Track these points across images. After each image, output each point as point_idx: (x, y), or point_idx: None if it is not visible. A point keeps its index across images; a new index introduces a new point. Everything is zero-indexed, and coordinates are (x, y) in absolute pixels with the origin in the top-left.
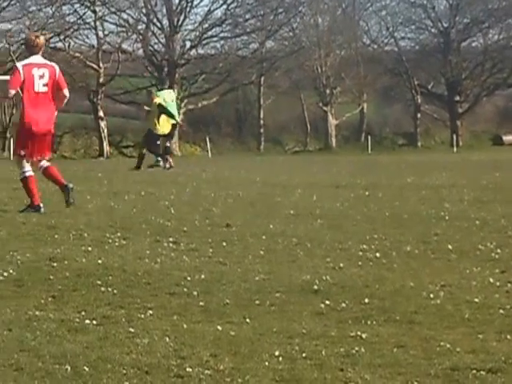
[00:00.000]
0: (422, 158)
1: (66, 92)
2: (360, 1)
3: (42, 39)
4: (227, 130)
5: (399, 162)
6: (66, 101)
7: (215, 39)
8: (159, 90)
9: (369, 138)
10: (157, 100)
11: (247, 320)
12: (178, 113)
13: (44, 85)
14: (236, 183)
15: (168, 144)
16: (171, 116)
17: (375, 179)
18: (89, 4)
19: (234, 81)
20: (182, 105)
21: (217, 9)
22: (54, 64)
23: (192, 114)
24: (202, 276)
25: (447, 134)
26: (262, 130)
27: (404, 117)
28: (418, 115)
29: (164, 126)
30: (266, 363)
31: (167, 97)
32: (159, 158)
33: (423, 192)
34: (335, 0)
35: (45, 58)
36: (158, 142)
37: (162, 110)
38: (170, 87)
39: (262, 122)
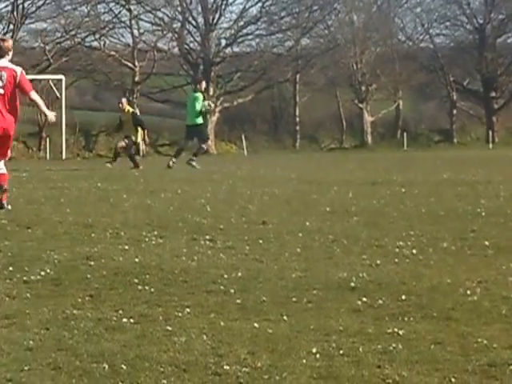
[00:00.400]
0: (457, 154)
1: (33, 95)
2: None
3: (8, 43)
4: (263, 128)
5: (435, 159)
6: (41, 105)
7: (250, 37)
8: (196, 92)
9: (404, 134)
10: (130, 108)
11: (284, 317)
12: (209, 113)
13: (0, 87)
14: (272, 181)
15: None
16: (141, 126)
17: (411, 176)
18: (124, 3)
19: (269, 78)
20: (218, 103)
21: (252, 6)
22: (16, 67)
23: (227, 112)
24: (239, 274)
25: (483, 131)
26: (297, 128)
27: (439, 113)
28: (454, 111)
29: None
30: (304, 360)
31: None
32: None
33: (459, 188)
34: None
35: (80, 57)
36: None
37: (135, 118)
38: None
39: (297, 119)
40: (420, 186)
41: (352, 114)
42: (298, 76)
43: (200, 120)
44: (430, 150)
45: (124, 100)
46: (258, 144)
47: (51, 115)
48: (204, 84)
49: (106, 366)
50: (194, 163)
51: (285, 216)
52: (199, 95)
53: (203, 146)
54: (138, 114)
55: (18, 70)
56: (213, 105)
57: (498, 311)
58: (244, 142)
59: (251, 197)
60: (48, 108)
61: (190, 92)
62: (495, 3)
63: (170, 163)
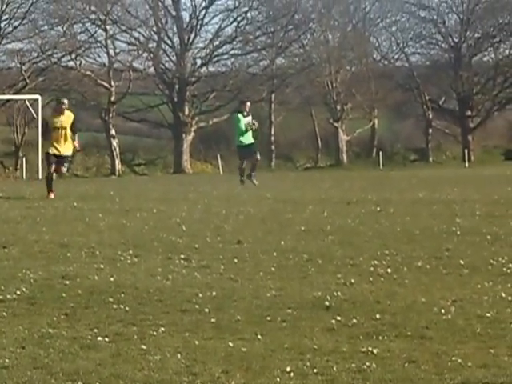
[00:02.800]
0: (433, 173)
1: None
2: (370, 17)
3: None
4: None
5: (411, 178)
6: None
7: (226, 56)
8: (238, 113)
9: (380, 153)
10: (71, 114)
11: (259, 336)
12: (255, 130)
13: None
14: (247, 200)
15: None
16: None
17: (386, 195)
18: (100, 23)
19: (246, 98)
20: (193, 122)
21: (227, 26)
22: None
23: (203, 132)
24: (214, 293)
25: (459, 149)
26: (273, 147)
27: (415, 132)
28: (430, 130)
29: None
30: (278, 379)
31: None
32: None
33: (435, 207)
34: (345, 16)
35: (56, 77)
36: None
37: (74, 125)
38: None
39: (272, 138)
40: (395, 205)
41: (327, 133)
42: (273, 95)
43: (247, 139)
44: (406, 168)
45: (66, 101)
46: (234, 164)
47: None
48: (248, 104)
49: None
50: (254, 180)
51: (260, 235)
52: (239, 115)
53: (257, 157)
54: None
55: None
56: (256, 123)
57: (473, 330)
58: (220, 161)
59: (227, 216)
60: (25, 127)
61: (233, 114)
62: (471, 22)
63: (243, 179)
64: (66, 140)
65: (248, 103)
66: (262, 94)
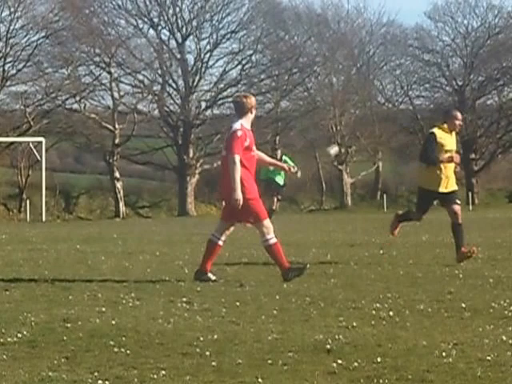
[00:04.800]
0: (437, 216)
1: None
2: (374, 60)
3: None
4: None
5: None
6: None
7: (230, 99)
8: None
9: (384, 196)
10: None
11: (259, 380)
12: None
13: None
14: (251, 242)
15: None
16: None
17: (390, 237)
18: (104, 65)
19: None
20: (198, 165)
21: (232, 69)
22: None
23: (207, 174)
24: (215, 336)
25: (463, 192)
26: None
27: None
28: None
29: None
30: None
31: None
32: None
33: (437, 250)
34: (349, 59)
35: (60, 119)
36: None
37: None
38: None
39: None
40: (398, 248)
41: (332, 175)
42: (277, 138)
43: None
44: None
45: None
46: None
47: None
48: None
49: None
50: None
51: (262, 278)
52: (286, 158)
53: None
54: None
55: None
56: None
57: (473, 373)
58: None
59: (229, 259)
60: (29, 170)
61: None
62: (474, 65)
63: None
64: None
65: (280, 151)
66: (267, 136)
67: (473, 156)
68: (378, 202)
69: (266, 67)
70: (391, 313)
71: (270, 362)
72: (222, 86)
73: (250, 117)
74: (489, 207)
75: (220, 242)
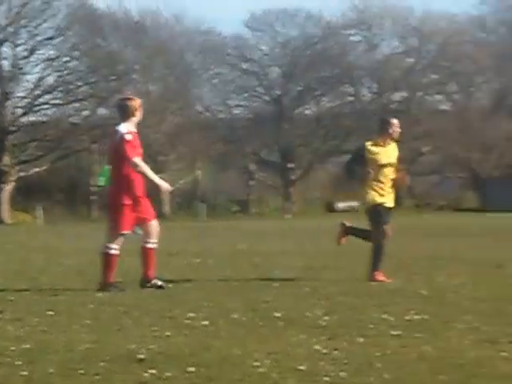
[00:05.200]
0: (254, 224)
1: None
2: (193, 68)
3: None
4: (59, 198)
5: (232, 229)
6: None
7: (47, 106)
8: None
9: (203, 204)
10: None
11: None
12: None
13: None
14: (66, 251)
15: None
16: None
17: (207, 246)
18: None
19: (67, 147)
20: (13, 172)
21: (49, 75)
22: None
23: (23, 182)
24: (27, 345)
25: (280, 201)
26: (94, 197)
27: (238, 184)
28: (252, 182)
29: None
30: None
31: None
32: None
33: (255, 259)
34: (168, 67)
35: None
36: None
37: None
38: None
39: (93, 189)
40: (216, 257)
41: (150, 184)
42: (95, 145)
43: None
44: (229, 220)
45: None
46: (55, 214)
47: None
48: None
49: None
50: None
51: (77, 287)
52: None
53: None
54: None
55: None
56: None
57: (286, 383)
58: (40, 211)
59: (44, 267)
60: None
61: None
62: (293, 75)
63: None
64: None
65: None
66: (84, 144)
67: (290, 165)
68: (197, 211)
69: (83, 74)
70: (206, 322)
71: (81, 371)
72: (38, 92)
73: (135, 120)
74: (306, 216)
75: (115, 251)
